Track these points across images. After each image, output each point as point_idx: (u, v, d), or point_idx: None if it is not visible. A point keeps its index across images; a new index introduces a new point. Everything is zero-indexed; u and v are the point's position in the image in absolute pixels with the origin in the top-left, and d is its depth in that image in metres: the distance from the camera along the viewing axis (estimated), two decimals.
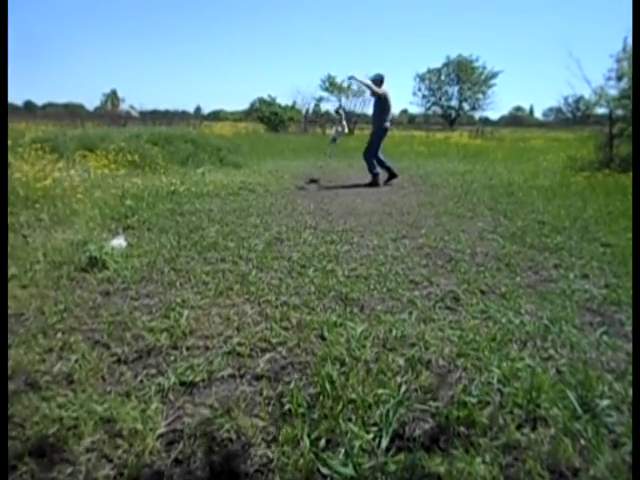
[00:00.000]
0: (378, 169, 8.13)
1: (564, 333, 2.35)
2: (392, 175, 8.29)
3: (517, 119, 67.89)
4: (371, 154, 8.11)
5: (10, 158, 6.55)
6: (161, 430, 1.60)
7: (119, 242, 3.72)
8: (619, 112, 9.63)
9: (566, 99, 47.05)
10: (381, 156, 8.21)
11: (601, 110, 11.06)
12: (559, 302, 2.77)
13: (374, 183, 8.05)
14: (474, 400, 1.74)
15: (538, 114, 77.95)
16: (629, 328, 2.42)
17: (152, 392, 1.80)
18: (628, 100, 8.87)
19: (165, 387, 1.84)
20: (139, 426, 1.58)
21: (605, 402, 1.71)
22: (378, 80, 7.83)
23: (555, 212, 5.44)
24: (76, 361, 2.01)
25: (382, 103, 7.92)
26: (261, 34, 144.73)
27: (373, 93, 7.89)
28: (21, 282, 2.90)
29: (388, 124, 8.20)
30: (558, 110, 61.79)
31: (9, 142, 7.26)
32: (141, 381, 1.89)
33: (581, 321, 2.52)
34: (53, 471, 1.41)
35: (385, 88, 7.91)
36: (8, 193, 4.88)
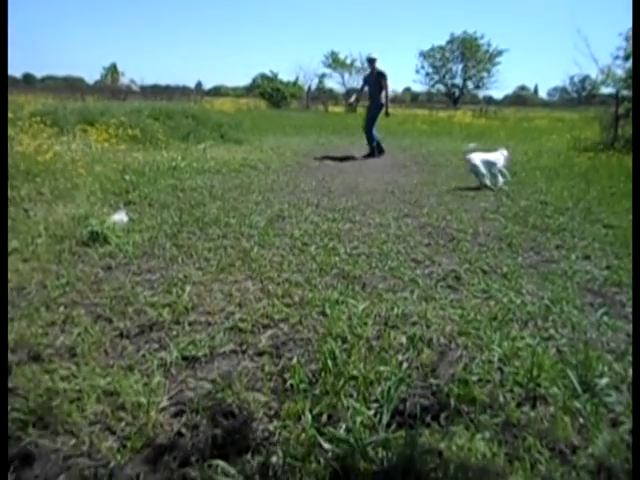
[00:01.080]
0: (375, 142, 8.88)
1: (565, 313, 2.35)
2: (377, 151, 8.97)
3: (521, 98, 67.04)
4: (371, 127, 8.83)
5: (10, 131, 6.49)
6: (164, 404, 1.61)
7: (120, 217, 3.71)
8: (625, 92, 9.50)
9: (572, 78, 46.50)
10: (374, 131, 8.93)
11: (607, 90, 10.95)
12: (560, 283, 2.77)
13: (371, 154, 8.84)
14: (475, 378, 1.75)
15: (542, 94, 76.99)
16: (629, 309, 2.43)
17: (155, 366, 1.81)
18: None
19: (167, 361, 1.85)
20: (142, 399, 1.59)
21: (604, 381, 1.72)
22: (373, 60, 8.63)
23: (558, 193, 5.41)
24: (79, 335, 2.02)
25: (384, 81, 8.55)
26: (263, 8, 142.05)
27: (378, 74, 8.58)
28: (23, 256, 2.89)
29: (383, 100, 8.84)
30: (563, 90, 61.11)
31: (9, 115, 7.19)
32: (143, 355, 1.90)
33: (582, 302, 2.52)
34: (57, 442, 1.42)
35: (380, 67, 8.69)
36: (9, 167, 4.85)
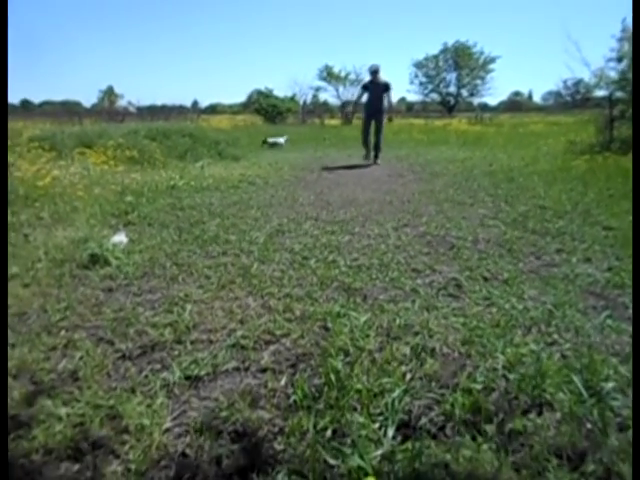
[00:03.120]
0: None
1: (568, 318, 2.34)
2: (368, 157, 9.45)
3: (516, 104, 67.38)
4: (382, 137, 9.26)
5: (9, 157, 6.54)
6: (167, 425, 1.60)
7: (120, 238, 3.71)
8: (619, 94, 9.55)
9: (565, 82, 46.63)
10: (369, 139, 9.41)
11: (601, 92, 10.99)
12: (562, 287, 2.77)
13: (377, 157, 9.32)
14: (479, 387, 1.74)
15: (537, 98, 77.40)
16: None
17: (157, 387, 1.80)
18: (628, 82, 8.80)
19: (170, 382, 1.84)
20: (145, 421, 1.58)
21: (610, 385, 1.70)
22: (377, 71, 8.83)
23: (556, 196, 5.42)
24: (80, 358, 2.01)
25: (390, 91, 8.93)
26: (256, 26, 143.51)
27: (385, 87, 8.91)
28: (23, 281, 2.89)
29: None
30: (557, 94, 61.32)
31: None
32: (146, 376, 1.89)
33: (585, 305, 2.51)
34: (60, 468, 1.41)
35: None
36: (8, 192, 4.88)
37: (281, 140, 13.03)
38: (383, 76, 8.95)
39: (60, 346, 2.13)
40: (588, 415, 1.56)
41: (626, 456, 1.38)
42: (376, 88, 8.84)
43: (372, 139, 9.28)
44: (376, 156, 9.29)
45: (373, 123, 9.09)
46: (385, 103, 8.96)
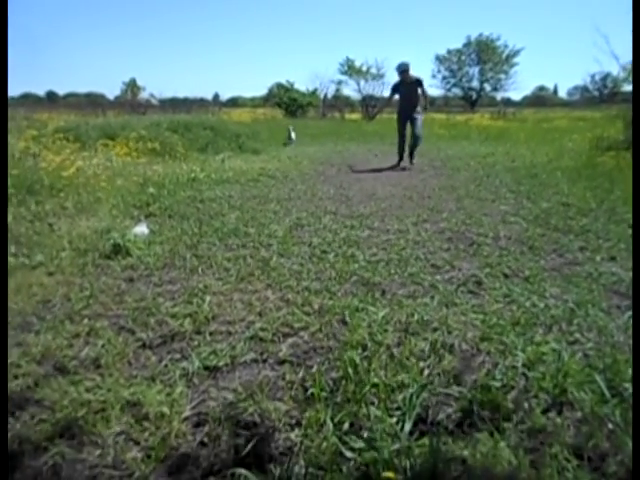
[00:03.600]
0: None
1: (591, 317, 2.30)
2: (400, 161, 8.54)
3: (540, 99, 66.17)
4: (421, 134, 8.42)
5: (35, 148, 6.67)
6: (186, 413, 1.62)
7: (141, 229, 3.76)
8: None
9: (592, 77, 45.74)
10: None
11: (630, 87, 10.73)
12: (585, 285, 2.72)
13: (413, 157, 8.49)
14: (498, 384, 1.72)
15: (562, 93, 75.91)
16: None
17: (177, 376, 1.83)
18: None
19: (189, 371, 1.86)
20: (165, 409, 1.61)
21: None
22: (407, 69, 8.13)
23: (580, 194, 5.32)
24: (102, 346, 2.05)
25: (423, 87, 8.24)
26: (277, 18, 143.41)
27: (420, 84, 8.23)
28: (48, 269, 2.96)
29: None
30: (584, 88, 60.10)
31: (34, 132, 7.40)
32: (166, 365, 1.92)
33: (608, 304, 2.47)
34: (83, 452, 1.44)
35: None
36: (34, 182, 4.98)
37: (293, 136, 12.52)
38: (413, 73, 8.20)
39: (83, 334, 2.17)
40: (610, 415, 1.53)
41: None
42: (408, 88, 8.15)
43: (408, 141, 8.41)
44: (411, 155, 8.48)
45: (409, 126, 8.31)
46: (421, 100, 8.28)
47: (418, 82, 8.13)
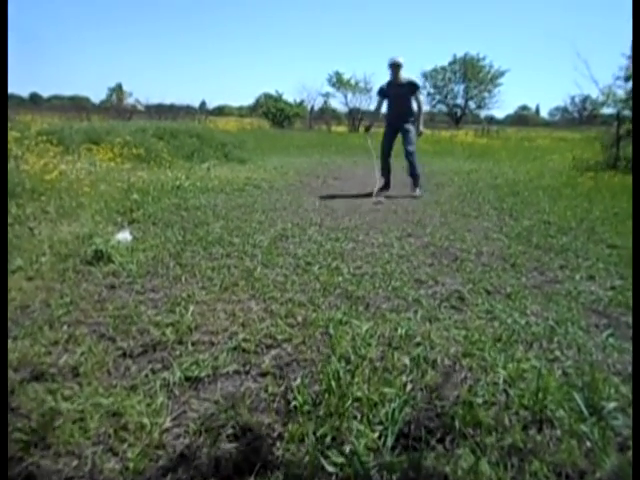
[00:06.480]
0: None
1: (570, 334, 2.34)
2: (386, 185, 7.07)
3: (523, 118, 67.61)
4: (414, 151, 6.73)
5: (17, 150, 6.57)
6: (167, 424, 1.60)
7: (124, 236, 3.72)
8: (626, 112, 9.58)
9: (573, 99, 46.87)
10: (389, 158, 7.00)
11: (608, 110, 11.03)
12: (565, 303, 2.76)
13: (416, 184, 6.80)
14: (480, 400, 1.73)
15: (544, 113, 77.68)
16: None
17: (157, 386, 1.80)
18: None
19: (170, 382, 1.84)
20: (145, 420, 1.58)
21: (612, 404, 1.70)
22: (399, 66, 6.57)
23: (561, 212, 5.42)
24: (82, 354, 2.01)
25: (418, 93, 6.76)
26: (267, 29, 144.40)
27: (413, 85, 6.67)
28: (27, 274, 2.90)
29: None
30: (564, 110, 61.63)
31: (16, 134, 7.28)
32: (146, 375, 1.89)
33: (587, 323, 2.51)
34: (59, 463, 1.41)
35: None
36: (15, 185, 4.90)
37: None
38: (406, 74, 6.62)
39: (62, 341, 2.13)
40: (589, 434, 1.55)
41: (626, 476, 1.37)
42: (398, 90, 6.56)
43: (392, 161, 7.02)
44: (415, 184, 6.80)
45: (398, 137, 6.80)
46: (414, 108, 6.65)
47: (413, 86, 6.61)
